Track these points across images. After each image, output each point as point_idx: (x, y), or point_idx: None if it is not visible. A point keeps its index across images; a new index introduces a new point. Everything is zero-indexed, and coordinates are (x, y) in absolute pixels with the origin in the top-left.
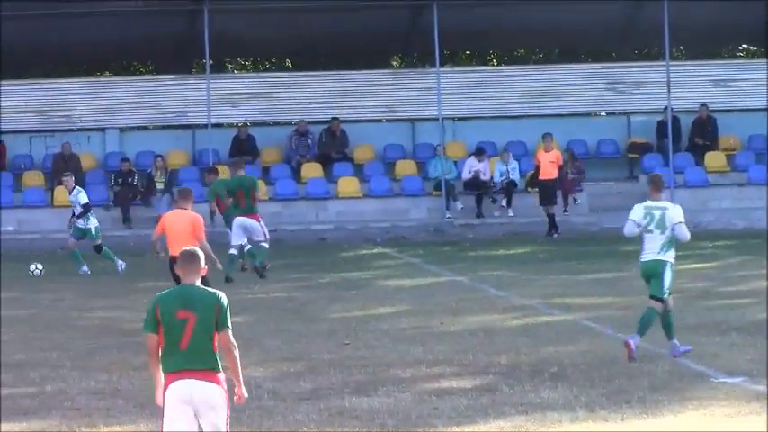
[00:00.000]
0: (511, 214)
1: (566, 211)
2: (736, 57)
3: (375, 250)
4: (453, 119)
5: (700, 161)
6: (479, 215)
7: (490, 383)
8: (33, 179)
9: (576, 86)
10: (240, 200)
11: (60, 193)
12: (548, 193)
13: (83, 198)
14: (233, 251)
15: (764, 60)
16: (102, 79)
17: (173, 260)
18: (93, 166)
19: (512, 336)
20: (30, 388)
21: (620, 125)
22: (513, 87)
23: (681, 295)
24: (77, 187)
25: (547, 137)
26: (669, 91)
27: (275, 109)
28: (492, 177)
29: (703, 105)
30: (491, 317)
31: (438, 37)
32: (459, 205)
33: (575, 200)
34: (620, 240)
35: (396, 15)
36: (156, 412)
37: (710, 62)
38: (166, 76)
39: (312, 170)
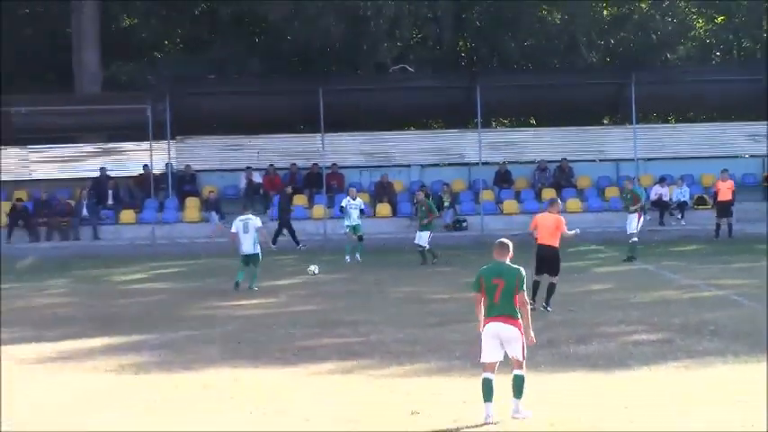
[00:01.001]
0: (683, 224)
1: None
2: None
3: (591, 247)
4: (645, 159)
5: None
6: (661, 224)
7: (668, 337)
8: (362, 199)
9: (729, 137)
10: None
11: (383, 208)
12: (724, 209)
13: (362, 204)
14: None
15: None
16: (410, 132)
17: (539, 247)
18: (402, 191)
19: (682, 305)
20: (360, 338)
21: (758, 163)
22: (685, 138)
23: None
24: (359, 198)
25: (724, 171)
26: None
27: (522, 152)
28: (671, 198)
29: None
30: (669, 292)
31: (634, 103)
32: (647, 217)
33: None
34: (756, 242)
35: (606, 89)
36: (442, 354)
37: None
38: (450, 130)
39: (549, 194)
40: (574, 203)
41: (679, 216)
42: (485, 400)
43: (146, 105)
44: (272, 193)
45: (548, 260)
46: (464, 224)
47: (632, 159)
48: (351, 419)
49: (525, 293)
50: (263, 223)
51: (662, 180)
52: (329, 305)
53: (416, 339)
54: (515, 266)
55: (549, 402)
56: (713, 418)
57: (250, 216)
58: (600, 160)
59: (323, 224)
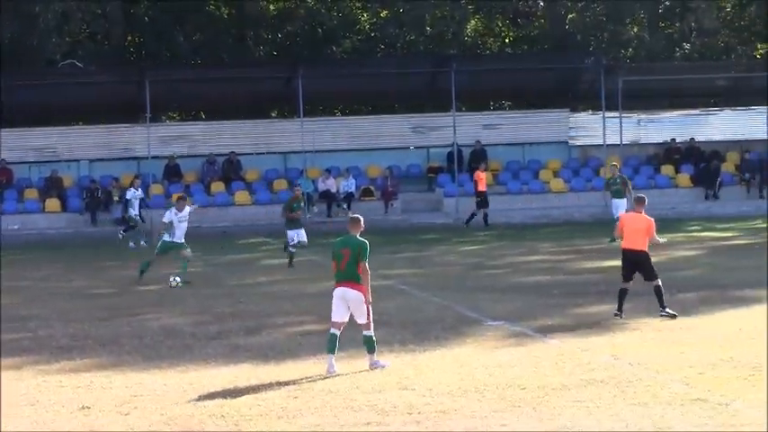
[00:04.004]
0: (350, 215)
1: (386, 212)
2: (498, 108)
3: (259, 240)
4: (313, 151)
5: None
6: (329, 215)
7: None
8: (31, 194)
9: (394, 129)
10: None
11: (52, 203)
12: (484, 199)
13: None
14: None
15: (516, 111)
16: (77, 127)
17: (624, 251)
18: (71, 185)
19: None
20: (28, 333)
21: (422, 155)
22: (352, 129)
23: (461, 267)
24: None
25: (483, 162)
26: (455, 132)
27: (194, 146)
28: (338, 189)
29: (477, 141)
30: None
31: (302, 97)
32: (315, 209)
33: (392, 204)
34: (421, 232)
35: (276, 83)
36: (113, 348)
37: (482, 112)
38: (121, 125)
39: (218, 187)
40: (242, 196)
41: (345, 207)
42: (328, 353)
43: None
44: None
45: (639, 266)
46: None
47: (301, 151)
48: (19, 415)
49: (367, 263)
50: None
51: (327, 172)
52: None
53: (87, 334)
54: (361, 239)
55: (221, 395)
56: (382, 407)
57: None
58: (268, 153)
59: None
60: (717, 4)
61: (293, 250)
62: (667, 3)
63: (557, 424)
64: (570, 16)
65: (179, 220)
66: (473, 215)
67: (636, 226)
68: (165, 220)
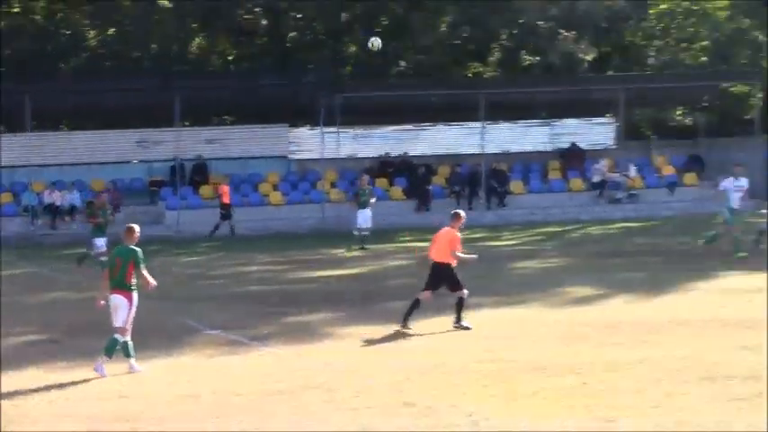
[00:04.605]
0: (74, 227)
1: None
2: (221, 123)
3: None
4: (39, 165)
5: (197, 191)
6: (53, 228)
7: (57, 337)
8: None
9: (118, 144)
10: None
11: None
12: (228, 211)
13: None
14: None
15: (238, 126)
16: None
17: (432, 263)
18: None
19: (71, 306)
20: None
21: (145, 168)
22: (77, 144)
23: (182, 277)
24: None
25: (226, 177)
26: (178, 147)
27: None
28: (62, 203)
29: (199, 155)
30: (59, 293)
31: (30, 112)
32: (39, 222)
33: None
34: (143, 244)
35: (2, 99)
36: None
37: (205, 127)
38: None
39: None
40: None
41: (69, 220)
42: (104, 354)
43: None
44: None
45: (442, 277)
46: None
47: (27, 166)
48: None
49: (143, 269)
50: None
51: (52, 185)
52: None
53: None
54: (133, 248)
55: None
56: (100, 415)
57: None
58: None
59: None
60: (432, 24)
61: (104, 259)
62: (385, 22)
63: (271, 428)
64: (291, 35)
65: None
66: (217, 227)
67: (443, 239)
68: None
